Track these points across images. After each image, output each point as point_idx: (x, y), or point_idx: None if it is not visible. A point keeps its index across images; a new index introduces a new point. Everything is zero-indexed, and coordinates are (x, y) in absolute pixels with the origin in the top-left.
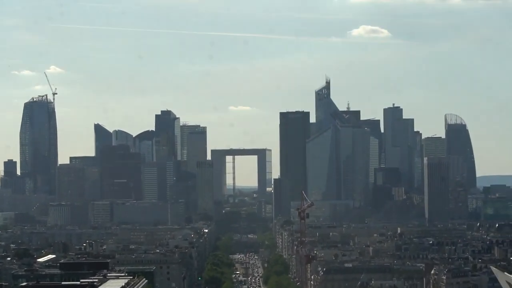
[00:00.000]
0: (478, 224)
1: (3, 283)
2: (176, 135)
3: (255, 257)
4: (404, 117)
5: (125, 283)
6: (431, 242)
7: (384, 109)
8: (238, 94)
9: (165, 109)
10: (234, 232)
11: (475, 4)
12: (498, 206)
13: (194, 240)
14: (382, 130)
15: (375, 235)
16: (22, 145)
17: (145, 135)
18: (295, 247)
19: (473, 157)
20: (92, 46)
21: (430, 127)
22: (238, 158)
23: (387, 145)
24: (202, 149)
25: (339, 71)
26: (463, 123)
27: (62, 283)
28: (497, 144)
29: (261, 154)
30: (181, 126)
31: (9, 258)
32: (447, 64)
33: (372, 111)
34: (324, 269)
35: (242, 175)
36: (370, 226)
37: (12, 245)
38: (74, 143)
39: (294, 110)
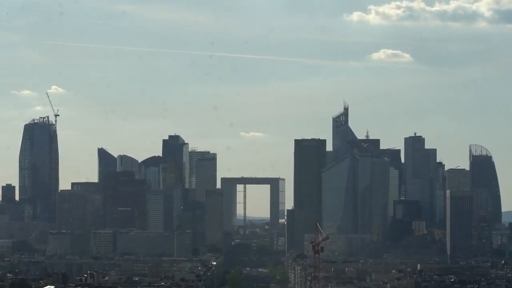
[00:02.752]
0: (503, 262)
1: None
2: (184, 162)
3: None
4: (426, 147)
5: None
6: (452, 280)
7: (405, 138)
8: (251, 119)
9: (173, 134)
10: (244, 266)
11: (502, 29)
12: None
13: (202, 273)
14: (403, 161)
15: (394, 271)
16: (21, 169)
17: (151, 161)
18: (309, 282)
19: (498, 191)
20: (97, 66)
21: (453, 158)
22: (249, 187)
23: (408, 176)
24: (211, 177)
25: (358, 97)
26: (489, 155)
27: None
28: None
29: (274, 184)
30: (189, 152)
31: None
32: (473, 92)
33: (392, 140)
34: None
35: (254, 205)
36: (388, 262)
37: (8, 275)
38: (76, 168)
39: (309, 138)
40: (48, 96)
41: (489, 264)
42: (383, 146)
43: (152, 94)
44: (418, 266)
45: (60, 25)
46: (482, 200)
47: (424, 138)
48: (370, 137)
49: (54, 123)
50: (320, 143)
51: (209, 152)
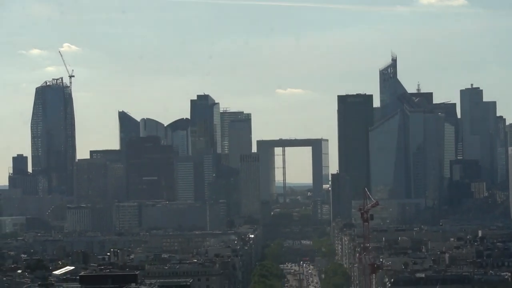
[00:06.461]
0: None
1: None
2: (216, 124)
3: (310, 266)
4: (484, 100)
5: None
6: None
7: (461, 91)
8: (288, 74)
9: (202, 93)
10: (285, 238)
11: None
12: None
13: (238, 247)
14: (459, 116)
15: (452, 239)
16: (33, 137)
17: (178, 124)
18: (357, 254)
19: None
20: (115, 19)
21: None
22: (289, 150)
23: (465, 133)
24: (246, 140)
25: (407, 47)
26: None
27: None
28: None
29: (316, 145)
30: (221, 113)
31: (20, 271)
32: None
33: (447, 93)
34: (392, 280)
35: (294, 170)
36: (445, 229)
37: (23, 255)
38: (95, 134)
39: (354, 93)
40: (61, 55)
41: None
42: (436, 100)
43: (177, 49)
44: (479, 233)
45: None
46: None
47: (482, 90)
48: (422, 91)
49: (68, 85)
50: (366, 98)
51: (242, 112)
